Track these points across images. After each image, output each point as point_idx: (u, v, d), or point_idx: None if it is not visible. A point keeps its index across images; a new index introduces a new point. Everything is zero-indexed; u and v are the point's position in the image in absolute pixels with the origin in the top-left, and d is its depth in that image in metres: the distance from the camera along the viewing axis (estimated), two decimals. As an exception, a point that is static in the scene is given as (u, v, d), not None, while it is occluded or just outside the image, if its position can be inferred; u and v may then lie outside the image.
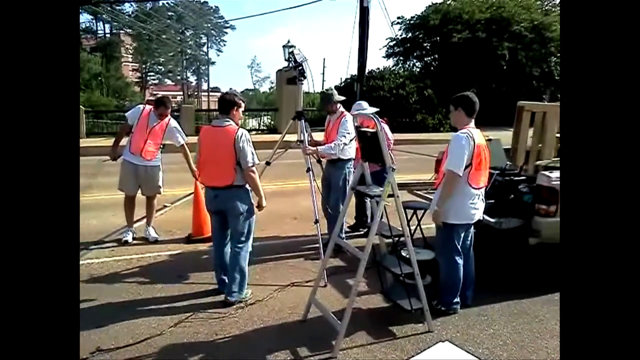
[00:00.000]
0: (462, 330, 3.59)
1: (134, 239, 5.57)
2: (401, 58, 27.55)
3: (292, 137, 5.39)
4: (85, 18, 40.55)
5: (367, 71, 18.50)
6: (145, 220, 5.78)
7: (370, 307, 3.96)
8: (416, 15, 26.47)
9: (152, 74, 51.92)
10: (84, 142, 12.84)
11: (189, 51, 52.64)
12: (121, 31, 43.99)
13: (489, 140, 4.29)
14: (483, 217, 3.93)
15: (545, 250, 4.31)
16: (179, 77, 54.88)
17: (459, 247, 3.75)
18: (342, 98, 5.26)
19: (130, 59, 47.52)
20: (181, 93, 52.24)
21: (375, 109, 4.83)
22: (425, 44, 26.67)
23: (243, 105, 4.02)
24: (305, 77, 5.13)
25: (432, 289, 3.88)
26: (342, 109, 5.23)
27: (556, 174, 4.13)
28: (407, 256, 3.51)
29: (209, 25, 53.04)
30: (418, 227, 5.01)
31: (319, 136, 5.56)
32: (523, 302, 4.05)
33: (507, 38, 23.44)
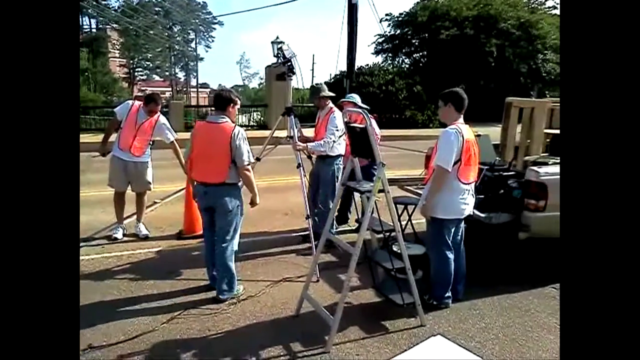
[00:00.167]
0: (453, 324, 3.62)
1: (124, 235, 5.54)
2: (390, 55, 27.58)
3: (282, 133, 5.39)
4: (70, 13, 39.89)
5: (356, 67, 18.53)
6: (135, 216, 5.75)
7: (362, 302, 3.98)
8: (404, 12, 26.51)
9: (140, 69, 51.46)
10: (71, 139, 12.67)
11: (177, 47, 52.20)
12: (107, 26, 43.50)
13: (478, 136, 4.32)
14: (473, 212, 3.97)
15: (535, 244, 4.37)
16: (167, 73, 54.42)
17: (449, 241, 3.78)
18: (331, 94, 5.28)
19: (117, 55, 46.98)
20: (170, 89, 51.76)
21: (365, 106, 4.86)
22: (413, 41, 26.71)
23: (239, 102, 4.01)
24: (294, 73, 5.13)
25: (423, 283, 3.91)
26: (331, 104, 5.24)
27: (544, 169, 4.19)
28: (399, 251, 3.53)
29: (197, 21, 52.65)
30: (409, 222, 5.04)
31: (309, 132, 5.57)
32: (514, 296, 4.09)
33: (494, 35, 23.56)
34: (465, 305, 3.90)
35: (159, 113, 5.53)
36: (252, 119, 22.26)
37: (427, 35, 25.05)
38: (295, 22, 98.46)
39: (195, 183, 4.03)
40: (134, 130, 5.31)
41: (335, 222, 5.50)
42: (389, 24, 26.70)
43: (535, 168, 4.22)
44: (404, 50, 27.20)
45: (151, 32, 44.71)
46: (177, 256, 5.00)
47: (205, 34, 55.14)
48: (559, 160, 4.61)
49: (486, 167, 4.59)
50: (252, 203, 4.04)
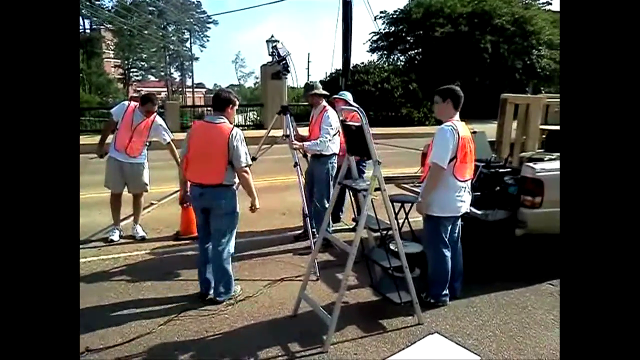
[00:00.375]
0: (451, 322, 3.62)
1: (121, 237, 5.53)
2: (385, 52, 27.59)
3: (278, 133, 5.39)
4: (63, 13, 39.70)
5: (351, 65, 18.57)
6: (132, 218, 5.73)
7: (360, 301, 3.98)
8: (399, 9, 26.53)
9: (134, 70, 51.20)
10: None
11: (171, 47, 52.01)
12: (101, 27, 43.26)
13: (474, 132, 4.33)
14: (470, 210, 3.97)
15: (532, 241, 4.38)
16: (162, 73, 54.24)
17: (446, 239, 3.78)
18: (324, 92, 5.26)
19: (111, 55, 46.78)
20: (165, 89, 51.62)
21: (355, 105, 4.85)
22: (408, 38, 26.70)
23: (237, 103, 3.98)
24: (289, 72, 5.13)
25: (420, 281, 3.91)
26: (324, 103, 5.23)
27: (540, 166, 4.19)
28: (396, 249, 3.53)
29: (192, 20, 52.48)
30: (406, 221, 5.04)
31: (304, 131, 5.56)
32: (511, 293, 4.10)
33: (489, 31, 23.60)
34: (462, 303, 3.90)
35: (155, 114, 5.52)
36: (248, 119, 22.24)
37: (421, 32, 25.05)
38: (290, 21, 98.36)
39: (189, 184, 3.98)
40: (130, 131, 5.30)
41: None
42: (384, 22, 26.75)
43: (531, 164, 4.23)
44: (399, 48, 27.21)
45: (145, 32, 44.49)
46: (174, 258, 4.99)
47: (200, 33, 54.98)
48: (554, 157, 4.62)
49: (482, 164, 4.60)
50: (252, 208, 3.97)
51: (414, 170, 6.21)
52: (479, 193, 4.44)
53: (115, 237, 5.47)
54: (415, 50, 26.93)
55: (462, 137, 3.59)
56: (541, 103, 5.31)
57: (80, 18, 42.27)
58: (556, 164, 4.24)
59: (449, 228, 3.80)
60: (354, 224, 5.41)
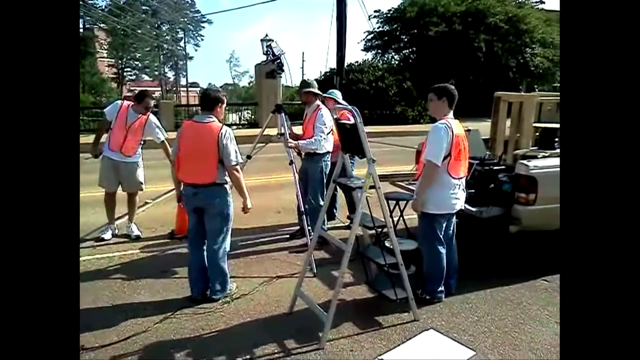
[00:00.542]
0: (446, 318, 3.64)
1: (116, 236, 5.51)
2: (379, 51, 27.58)
3: (272, 131, 5.39)
4: (56, 13, 39.47)
5: (346, 64, 18.54)
6: (126, 217, 5.71)
7: (355, 298, 3.99)
8: (393, 8, 26.53)
9: (128, 69, 50.93)
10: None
11: (165, 46, 51.81)
12: (95, 26, 43.02)
13: (468, 130, 4.35)
14: (464, 207, 3.99)
15: (526, 237, 4.40)
16: (156, 73, 53.95)
17: (441, 236, 3.80)
18: (317, 91, 5.26)
19: (105, 55, 46.54)
20: (159, 89, 51.39)
21: (345, 103, 4.88)
22: (403, 37, 26.70)
23: (226, 101, 3.97)
24: (283, 70, 5.14)
25: (416, 278, 3.93)
26: (318, 102, 5.24)
27: (534, 163, 4.22)
28: (391, 247, 3.54)
29: (186, 19, 52.27)
30: (401, 218, 5.06)
31: (299, 129, 5.57)
32: (506, 289, 4.13)
33: (483, 30, 23.64)
34: (458, 299, 3.93)
35: (149, 112, 5.50)
36: (242, 117, 22.21)
37: (416, 31, 25.06)
38: (285, 20, 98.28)
39: (182, 184, 3.96)
40: (124, 130, 5.28)
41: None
42: (378, 21, 26.74)
43: (524, 162, 4.25)
44: (393, 47, 27.20)
45: (139, 31, 44.27)
46: (169, 256, 4.98)
47: (194, 32, 54.75)
48: (548, 154, 4.65)
49: (476, 162, 4.62)
50: (244, 208, 3.95)
51: (409, 168, 6.23)
52: (473, 190, 4.46)
53: (108, 235, 5.45)
54: (410, 49, 26.94)
55: (456, 134, 3.61)
56: (534, 101, 5.34)
57: (74, 17, 41.97)
58: (550, 162, 4.27)
59: (444, 225, 3.82)
60: (349, 221, 5.42)
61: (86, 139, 7.43)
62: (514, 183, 4.28)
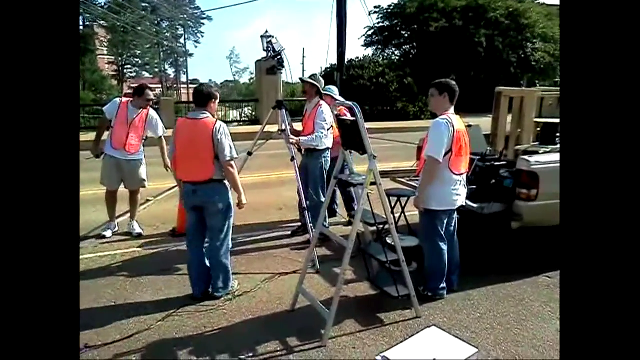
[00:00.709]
0: (448, 315, 3.64)
1: (117, 234, 5.52)
2: (380, 47, 27.54)
3: (273, 128, 5.38)
4: (56, 10, 39.42)
5: (346, 60, 18.51)
6: (128, 214, 5.72)
7: (357, 295, 3.99)
8: (393, 3, 26.48)
9: (129, 66, 50.86)
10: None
11: (165, 43, 51.70)
12: (94, 23, 42.93)
13: (469, 126, 4.33)
14: (466, 203, 3.99)
15: (528, 233, 4.39)
16: (156, 70, 53.85)
17: (442, 233, 3.80)
18: (316, 84, 5.21)
19: (105, 52, 46.46)
20: (160, 86, 51.28)
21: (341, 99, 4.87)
22: (403, 32, 26.67)
23: (219, 97, 3.96)
24: (283, 67, 5.12)
25: (418, 275, 3.92)
26: (318, 98, 5.22)
27: (536, 158, 4.21)
28: (392, 243, 3.54)
29: (186, 16, 52.14)
30: (402, 215, 5.05)
31: (300, 126, 5.56)
32: (508, 286, 4.12)
33: (483, 25, 23.58)
34: (460, 296, 3.92)
35: (149, 107, 5.48)
36: (243, 114, 22.19)
37: (416, 26, 25.03)
38: (285, 16, 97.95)
39: (182, 182, 3.93)
40: (126, 126, 5.25)
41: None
42: (378, 16, 26.67)
43: (526, 157, 4.24)
44: (393, 42, 27.17)
45: (139, 28, 44.17)
46: (171, 254, 4.98)
47: (194, 29, 54.62)
48: (549, 149, 4.63)
49: (478, 158, 4.61)
50: (239, 204, 3.93)
51: (410, 164, 6.22)
52: (474, 186, 4.45)
53: (108, 233, 5.45)
54: (410, 45, 26.90)
55: (457, 130, 3.60)
56: (536, 96, 5.31)
57: (73, 15, 41.87)
58: (551, 157, 4.26)
59: (445, 221, 3.81)
60: (350, 218, 5.42)
61: (86, 136, 7.43)
62: (515, 179, 4.26)
